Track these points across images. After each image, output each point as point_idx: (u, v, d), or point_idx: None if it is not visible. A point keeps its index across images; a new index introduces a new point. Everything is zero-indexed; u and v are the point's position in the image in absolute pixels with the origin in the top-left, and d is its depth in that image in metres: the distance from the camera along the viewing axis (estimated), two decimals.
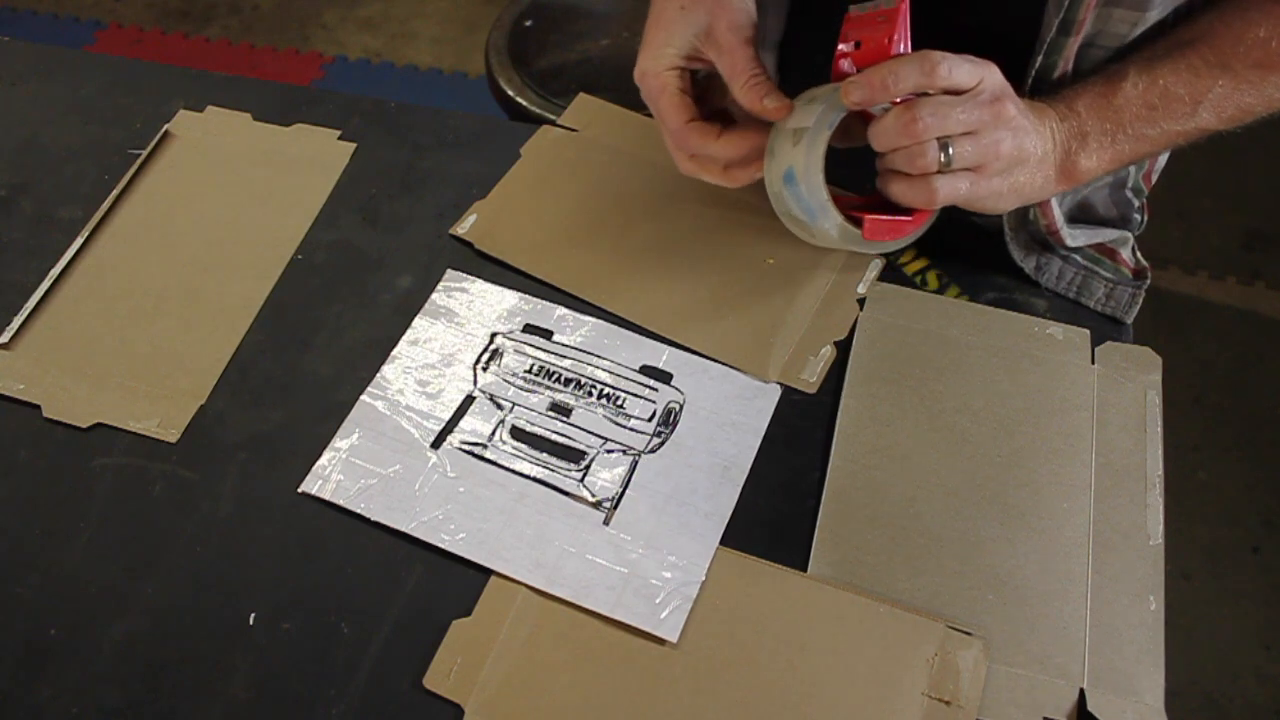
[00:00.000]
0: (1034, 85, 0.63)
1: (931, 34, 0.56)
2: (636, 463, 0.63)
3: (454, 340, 0.69)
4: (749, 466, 0.63)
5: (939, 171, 0.56)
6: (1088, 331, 0.69)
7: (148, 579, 0.60)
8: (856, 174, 0.63)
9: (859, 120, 0.59)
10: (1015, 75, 0.63)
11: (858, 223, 0.60)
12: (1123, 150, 0.61)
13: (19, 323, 0.70)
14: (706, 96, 0.64)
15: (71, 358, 0.69)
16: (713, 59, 0.61)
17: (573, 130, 0.81)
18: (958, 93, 0.55)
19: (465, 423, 0.65)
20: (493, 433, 0.65)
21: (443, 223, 0.76)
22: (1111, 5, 0.59)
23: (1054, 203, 0.67)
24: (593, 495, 0.62)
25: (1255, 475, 1.53)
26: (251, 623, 0.58)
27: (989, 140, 0.55)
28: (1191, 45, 0.60)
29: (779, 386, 0.67)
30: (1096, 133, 0.60)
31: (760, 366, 0.67)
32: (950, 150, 0.55)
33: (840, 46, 0.56)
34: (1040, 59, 0.61)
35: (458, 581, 0.59)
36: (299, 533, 0.61)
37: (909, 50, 0.55)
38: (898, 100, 0.55)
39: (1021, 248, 0.71)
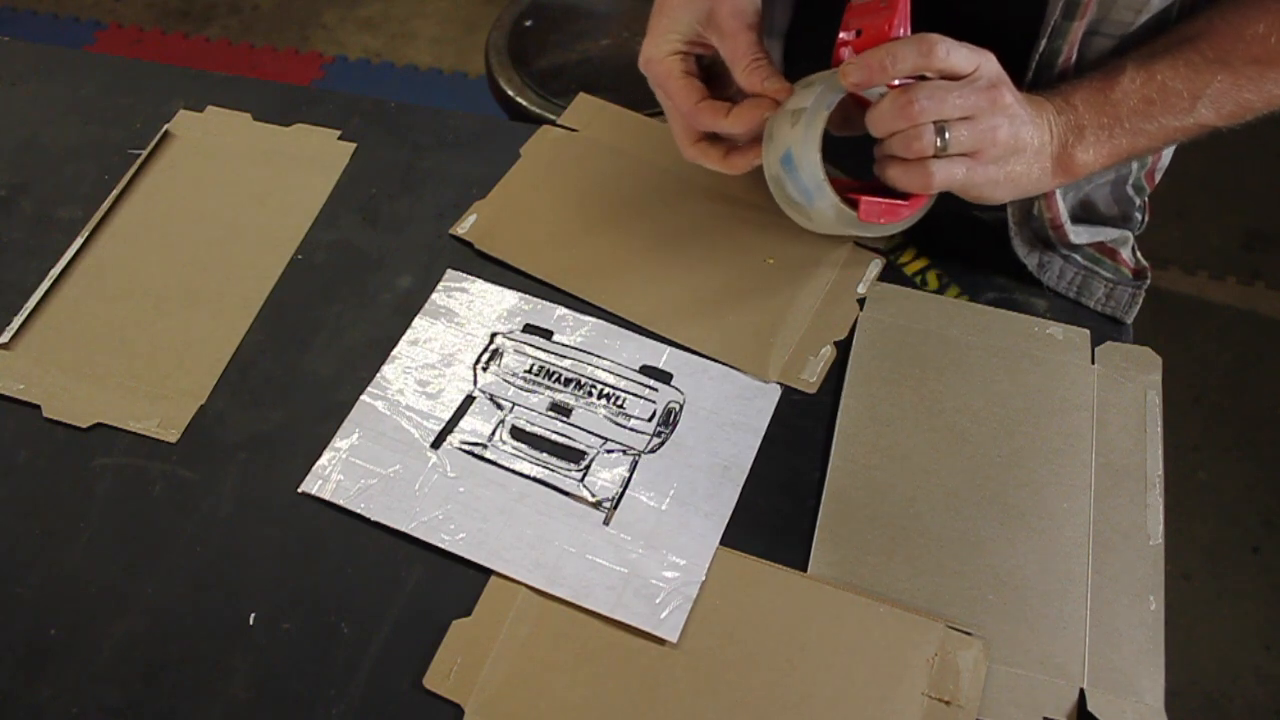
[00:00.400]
0: (1037, 72, 0.63)
1: (934, 24, 0.56)
2: (636, 463, 0.63)
3: (454, 340, 0.69)
4: (749, 466, 0.63)
5: (935, 156, 0.56)
6: (1088, 331, 0.69)
7: (148, 579, 0.60)
8: (857, 167, 0.63)
9: (858, 108, 0.59)
10: (1019, 63, 0.63)
11: (854, 205, 0.60)
12: (1120, 145, 0.61)
13: (19, 323, 0.70)
14: (711, 85, 0.64)
15: (71, 358, 0.69)
16: (715, 44, 0.61)
17: (573, 130, 0.81)
18: (956, 78, 0.55)
19: (465, 423, 0.65)
20: (493, 433, 0.65)
21: (443, 223, 0.76)
22: None
23: (1059, 197, 0.67)
24: (593, 495, 0.62)
25: (1255, 475, 1.53)
26: (251, 623, 0.58)
27: (985, 126, 0.56)
28: (1190, 41, 0.60)
29: (779, 386, 0.67)
30: (1093, 126, 0.60)
31: (760, 366, 0.67)
32: (946, 135, 0.55)
33: (841, 35, 0.57)
34: (1044, 43, 0.61)
35: (458, 581, 0.59)
36: (299, 533, 0.61)
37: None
38: (895, 84, 0.55)
39: (1025, 244, 0.71)
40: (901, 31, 0.55)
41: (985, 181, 0.58)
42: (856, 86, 0.56)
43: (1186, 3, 0.62)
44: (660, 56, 0.62)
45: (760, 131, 0.62)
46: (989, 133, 0.56)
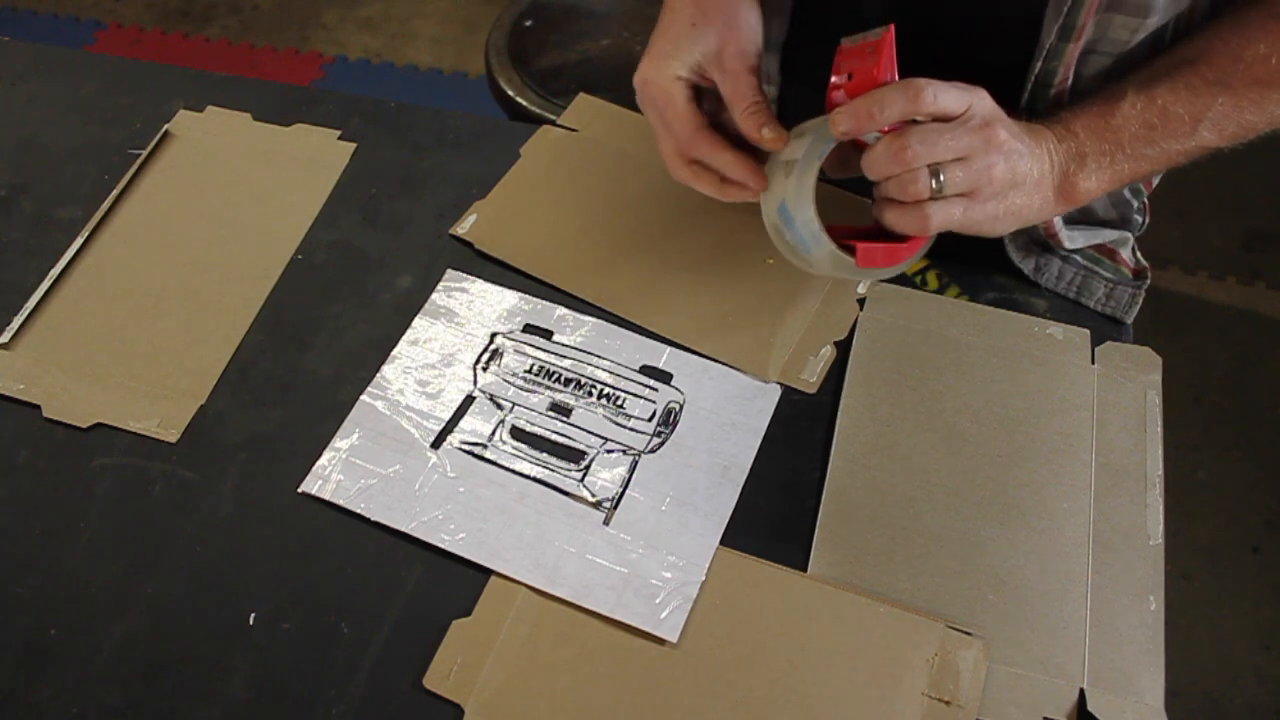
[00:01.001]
0: (1034, 93, 0.63)
1: (929, 50, 0.56)
2: (636, 463, 0.63)
3: (454, 340, 0.69)
4: (749, 466, 0.63)
5: (931, 198, 0.55)
6: (1088, 331, 0.69)
7: (148, 579, 0.60)
8: (861, 190, 0.62)
9: (855, 150, 0.59)
10: (1015, 84, 0.63)
11: (852, 251, 0.59)
12: (1122, 170, 0.60)
13: (19, 323, 0.70)
14: (711, 116, 0.64)
15: (71, 358, 0.69)
16: (716, 80, 0.61)
17: (573, 130, 0.81)
18: (947, 119, 0.55)
19: (465, 423, 0.65)
20: (493, 433, 0.65)
21: (443, 223, 0.76)
22: (1112, 11, 0.59)
23: None
24: (593, 495, 0.62)
25: (1255, 475, 1.53)
26: (251, 623, 0.58)
27: (980, 165, 0.55)
28: (1190, 64, 0.59)
29: (779, 386, 0.67)
30: (1095, 153, 0.60)
31: (760, 366, 0.67)
32: (941, 177, 0.55)
33: (833, 79, 0.56)
34: (1040, 64, 0.61)
35: (458, 581, 0.59)
36: (299, 533, 0.61)
37: (897, 80, 0.55)
38: (887, 129, 0.55)
39: (1020, 249, 0.71)
40: (890, 76, 0.55)
41: (985, 219, 0.58)
42: (846, 135, 0.55)
43: (1183, 21, 0.62)
44: (661, 80, 0.61)
45: (755, 172, 0.61)
46: (984, 171, 0.55)
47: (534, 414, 0.66)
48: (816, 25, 0.73)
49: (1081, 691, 0.55)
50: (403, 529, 0.61)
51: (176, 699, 0.56)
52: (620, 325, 0.70)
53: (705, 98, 0.63)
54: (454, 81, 2.09)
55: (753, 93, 0.60)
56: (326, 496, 0.62)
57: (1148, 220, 0.74)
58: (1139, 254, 0.73)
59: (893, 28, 0.54)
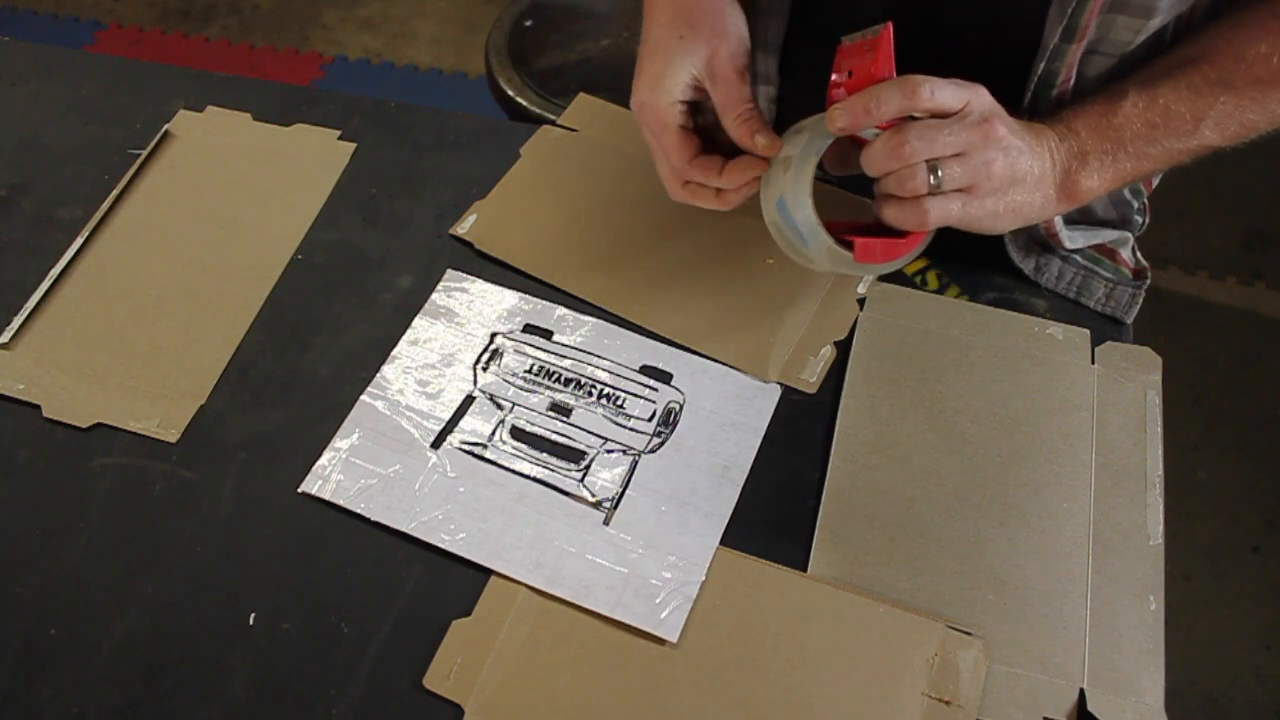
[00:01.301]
0: (1036, 93, 0.63)
1: (931, 51, 0.56)
2: (636, 463, 0.63)
3: (454, 340, 0.69)
4: (749, 466, 0.63)
5: (930, 194, 0.55)
6: (1088, 331, 0.69)
7: (148, 579, 0.60)
8: (864, 190, 0.62)
9: (855, 147, 0.59)
10: (1017, 84, 0.63)
11: (851, 246, 0.59)
12: (1124, 169, 0.60)
13: (19, 323, 0.70)
14: (699, 131, 0.64)
15: (71, 358, 0.69)
16: (708, 89, 0.61)
17: (573, 130, 0.81)
18: (945, 115, 0.55)
19: (465, 423, 0.65)
20: (493, 433, 0.65)
21: (443, 223, 0.76)
22: (1115, 12, 0.59)
23: None
24: (593, 495, 0.62)
25: (1255, 475, 1.53)
26: (251, 623, 0.58)
27: (979, 161, 0.55)
28: (1192, 63, 0.59)
29: (779, 386, 0.67)
30: (1097, 152, 0.60)
31: (760, 366, 0.67)
32: (940, 172, 0.55)
33: (834, 77, 0.56)
34: (1042, 65, 0.61)
35: (458, 581, 0.59)
36: (299, 533, 0.61)
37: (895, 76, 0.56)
38: (885, 125, 0.55)
39: (1020, 249, 0.71)
40: (888, 73, 0.55)
41: (984, 215, 0.58)
42: (843, 130, 0.55)
43: (1183, 20, 0.62)
44: (656, 105, 0.61)
45: (751, 181, 0.61)
46: (983, 167, 0.55)
47: (534, 414, 0.66)
48: (815, 25, 0.73)
49: (1081, 691, 0.55)
50: (403, 529, 0.61)
51: (176, 699, 0.56)
52: (620, 325, 0.70)
53: (701, 110, 0.63)
54: (454, 81, 2.09)
55: (744, 99, 0.59)
56: (326, 496, 0.62)
57: (1148, 220, 0.74)
58: (1139, 254, 0.73)
59: (890, 25, 0.54)
